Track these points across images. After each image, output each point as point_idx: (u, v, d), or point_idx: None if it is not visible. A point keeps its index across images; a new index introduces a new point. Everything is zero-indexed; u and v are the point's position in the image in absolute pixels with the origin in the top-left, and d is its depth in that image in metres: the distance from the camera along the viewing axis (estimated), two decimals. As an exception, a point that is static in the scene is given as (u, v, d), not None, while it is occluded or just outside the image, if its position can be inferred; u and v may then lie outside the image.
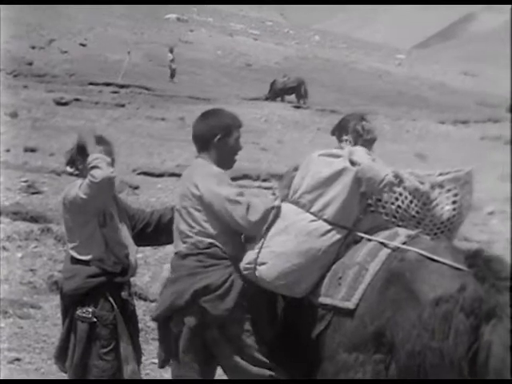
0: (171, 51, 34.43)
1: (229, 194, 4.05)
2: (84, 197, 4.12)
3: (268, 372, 4.02)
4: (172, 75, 34.01)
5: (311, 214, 4.11)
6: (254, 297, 4.11)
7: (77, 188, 4.19)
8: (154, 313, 4.23)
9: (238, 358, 4.03)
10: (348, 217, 4.13)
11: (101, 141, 4.41)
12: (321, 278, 4.06)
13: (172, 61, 34.04)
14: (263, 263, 4.06)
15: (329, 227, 4.08)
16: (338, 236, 4.09)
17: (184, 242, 4.15)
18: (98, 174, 4.05)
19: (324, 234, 4.07)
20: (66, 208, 4.31)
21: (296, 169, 4.33)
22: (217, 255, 4.08)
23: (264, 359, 4.05)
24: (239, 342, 4.03)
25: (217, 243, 4.09)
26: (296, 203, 4.18)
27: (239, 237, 4.20)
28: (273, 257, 4.05)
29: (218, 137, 4.20)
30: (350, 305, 3.90)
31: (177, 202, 4.25)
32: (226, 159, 4.27)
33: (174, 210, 4.35)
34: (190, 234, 4.12)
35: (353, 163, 4.15)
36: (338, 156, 4.22)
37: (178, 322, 4.06)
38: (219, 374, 4.27)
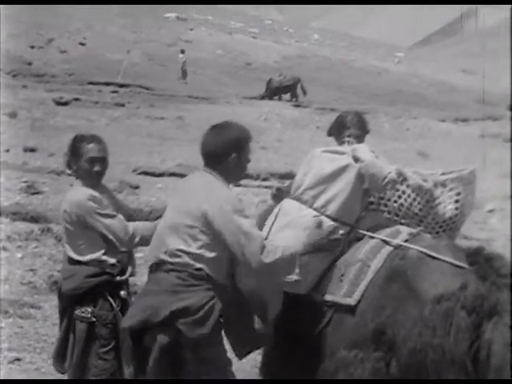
0: (183, 52, 34.60)
1: (244, 225, 3.78)
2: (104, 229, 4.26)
3: None
4: (184, 76, 34.13)
5: (314, 209, 4.11)
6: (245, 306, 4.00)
7: (86, 199, 4.23)
8: (125, 322, 3.92)
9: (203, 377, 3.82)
10: (350, 213, 4.14)
11: (94, 139, 4.39)
12: (323, 275, 4.06)
13: (184, 62, 34.16)
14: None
15: (331, 223, 4.07)
16: (341, 232, 4.08)
17: (170, 257, 3.86)
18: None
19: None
20: (67, 214, 4.29)
21: None
22: (200, 276, 3.81)
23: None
24: (210, 363, 3.81)
25: (206, 269, 3.81)
26: (298, 199, 4.18)
27: (231, 267, 3.94)
28: None
29: (234, 155, 3.92)
30: (352, 301, 3.90)
31: (170, 214, 3.96)
32: (238, 174, 4.06)
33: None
34: (179, 254, 3.82)
35: (356, 160, 4.15)
36: (341, 153, 4.22)
37: (151, 337, 3.81)
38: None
